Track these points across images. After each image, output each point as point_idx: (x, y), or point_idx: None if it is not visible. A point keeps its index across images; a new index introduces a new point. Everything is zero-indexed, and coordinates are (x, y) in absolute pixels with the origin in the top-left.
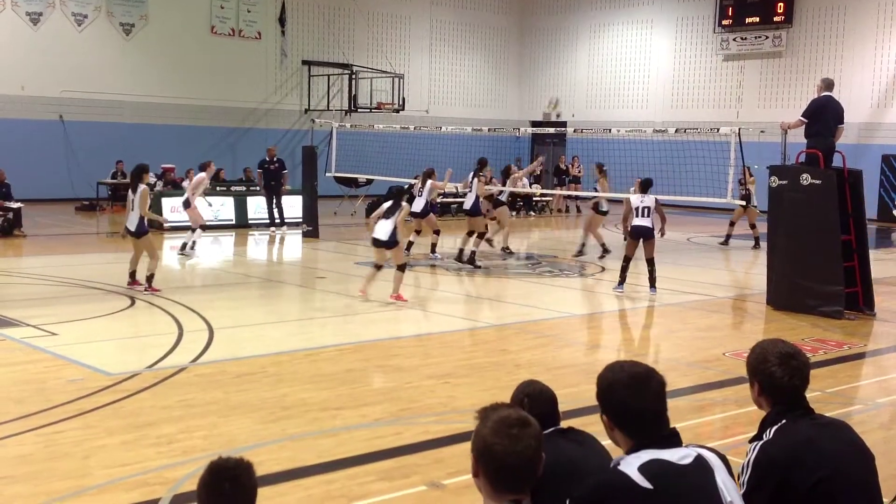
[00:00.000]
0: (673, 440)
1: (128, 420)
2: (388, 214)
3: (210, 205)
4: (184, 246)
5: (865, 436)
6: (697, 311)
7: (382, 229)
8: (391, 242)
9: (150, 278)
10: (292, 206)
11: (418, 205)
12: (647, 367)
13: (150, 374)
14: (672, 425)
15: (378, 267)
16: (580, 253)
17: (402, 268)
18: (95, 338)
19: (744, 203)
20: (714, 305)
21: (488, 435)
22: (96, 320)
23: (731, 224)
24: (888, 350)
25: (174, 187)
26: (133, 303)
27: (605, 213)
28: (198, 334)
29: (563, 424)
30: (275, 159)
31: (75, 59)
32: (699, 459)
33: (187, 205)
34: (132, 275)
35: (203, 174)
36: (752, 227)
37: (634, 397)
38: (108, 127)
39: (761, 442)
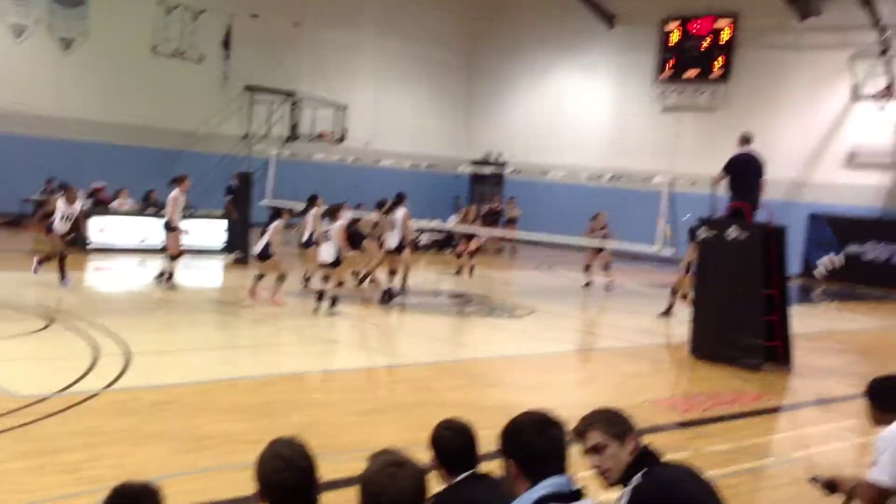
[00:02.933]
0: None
1: (33, 445)
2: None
3: (187, 232)
4: (161, 275)
5: (777, 489)
6: (622, 357)
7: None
8: (261, 255)
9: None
10: (215, 231)
11: (392, 240)
12: (550, 413)
13: (60, 398)
14: (586, 471)
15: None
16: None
17: (282, 278)
18: (5, 358)
19: (604, 243)
20: (639, 352)
21: (369, 475)
22: (8, 340)
23: (587, 268)
24: (804, 405)
25: (104, 207)
26: (49, 324)
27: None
28: (114, 359)
29: (485, 467)
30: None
31: (10, 71)
32: None
33: (169, 227)
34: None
35: (176, 191)
36: (607, 267)
37: (539, 440)
38: (39, 142)
39: (632, 485)
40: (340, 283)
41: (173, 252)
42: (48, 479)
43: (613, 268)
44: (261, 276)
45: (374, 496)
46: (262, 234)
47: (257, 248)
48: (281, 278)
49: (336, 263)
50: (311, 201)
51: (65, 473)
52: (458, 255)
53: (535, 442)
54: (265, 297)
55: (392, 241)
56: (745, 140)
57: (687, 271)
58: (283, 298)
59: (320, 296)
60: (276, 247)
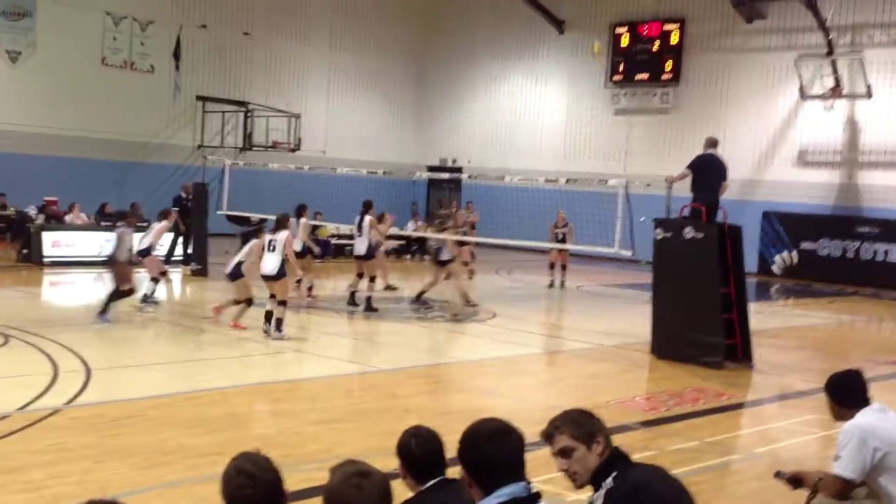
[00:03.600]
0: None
1: None
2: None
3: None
4: (145, 297)
5: (741, 485)
6: (584, 359)
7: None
8: (230, 275)
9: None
10: (165, 243)
11: (361, 246)
12: (507, 423)
13: (20, 416)
14: (548, 475)
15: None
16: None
17: (248, 302)
18: None
19: (563, 246)
20: (600, 353)
21: (334, 485)
22: None
23: (552, 266)
24: (766, 401)
25: (57, 221)
26: (6, 341)
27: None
28: (74, 375)
29: (451, 473)
30: (191, 196)
31: None
32: None
33: (147, 253)
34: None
35: (165, 222)
36: (564, 268)
37: (495, 450)
38: None
39: (605, 488)
40: (283, 302)
41: (155, 273)
42: (10, 497)
43: (573, 269)
44: (236, 302)
45: None
46: (239, 250)
47: (228, 267)
48: (248, 302)
49: (279, 276)
50: (299, 212)
51: (28, 492)
52: (464, 263)
53: (489, 452)
54: (228, 321)
55: (360, 247)
56: (712, 143)
57: None
58: (244, 323)
59: (272, 320)
60: (249, 268)
